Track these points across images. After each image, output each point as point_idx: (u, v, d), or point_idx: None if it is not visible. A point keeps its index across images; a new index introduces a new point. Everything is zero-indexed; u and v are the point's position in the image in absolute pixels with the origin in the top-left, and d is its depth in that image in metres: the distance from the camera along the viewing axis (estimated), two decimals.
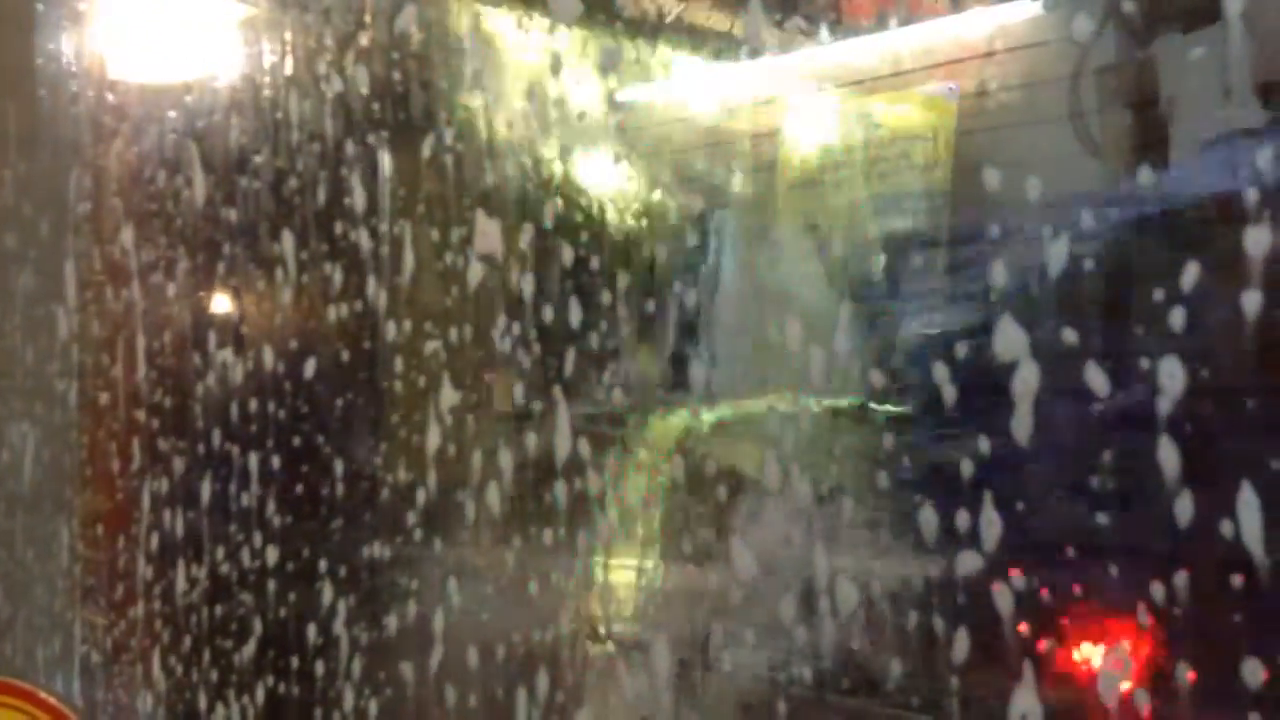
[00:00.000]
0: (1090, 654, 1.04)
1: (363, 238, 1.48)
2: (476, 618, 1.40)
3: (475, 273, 1.31)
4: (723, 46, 1.68)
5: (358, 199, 1.50)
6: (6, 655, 1.86)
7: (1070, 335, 0.91)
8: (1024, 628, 0.92)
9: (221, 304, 1.79)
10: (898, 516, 1.14)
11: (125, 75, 1.90)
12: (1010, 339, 0.88)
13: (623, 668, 1.30)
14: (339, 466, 1.58)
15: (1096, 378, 0.87)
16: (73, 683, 1.84)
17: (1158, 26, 1.19)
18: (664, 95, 1.70)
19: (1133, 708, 0.88)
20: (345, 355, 1.59)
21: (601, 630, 1.42)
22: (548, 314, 1.27)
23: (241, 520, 1.60)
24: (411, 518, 1.41)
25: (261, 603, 1.58)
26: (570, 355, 1.25)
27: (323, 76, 1.56)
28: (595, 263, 1.32)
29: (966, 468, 0.95)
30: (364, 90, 1.51)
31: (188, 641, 1.68)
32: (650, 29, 1.60)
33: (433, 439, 1.35)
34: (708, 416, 1.41)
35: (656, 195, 1.68)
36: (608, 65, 1.30)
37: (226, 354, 1.66)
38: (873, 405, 1.26)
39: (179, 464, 1.71)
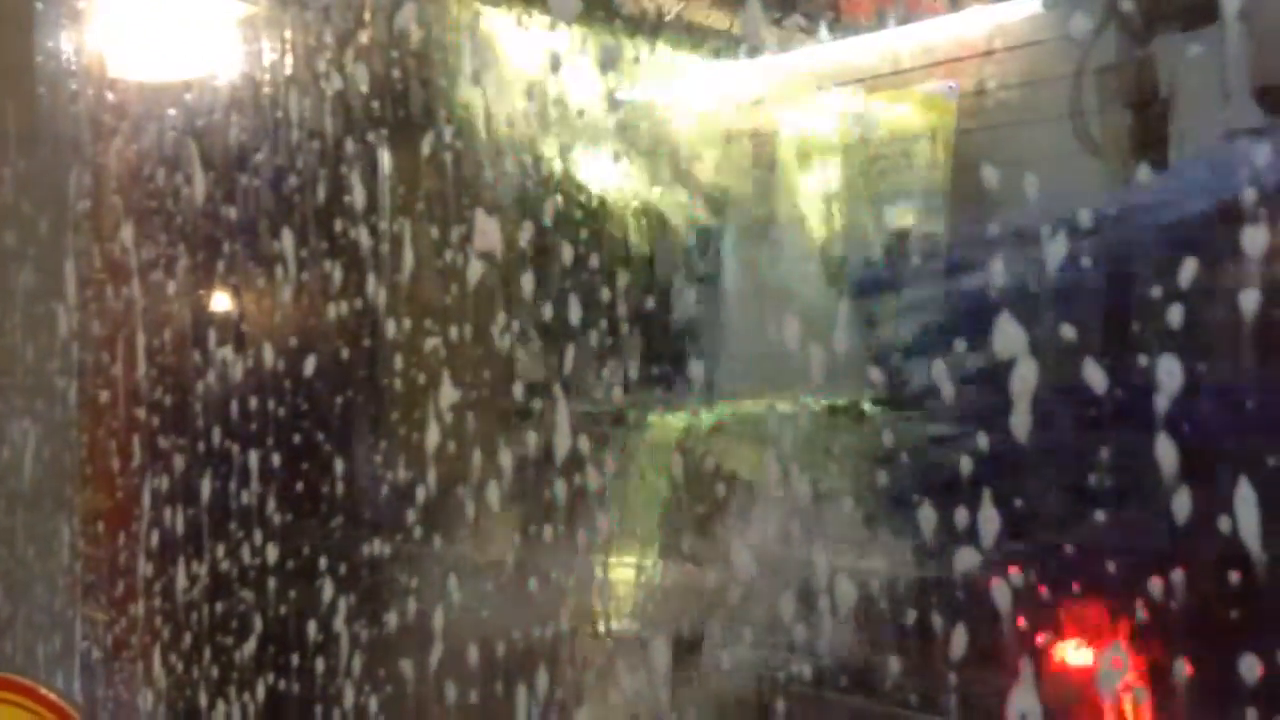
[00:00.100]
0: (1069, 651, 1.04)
1: (362, 235, 1.48)
2: (476, 614, 1.40)
3: (474, 270, 1.32)
4: (722, 45, 1.68)
5: (357, 197, 1.50)
6: (7, 652, 1.86)
7: (1069, 332, 0.91)
8: (1020, 624, 0.92)
9: (221, 302, 1.79)
10: (895, 515, 1.14)
11: (125, 73, 1.90)
12: (1009, 337, 0.89)
13: (620, 664, 1.30)
14: (339, 464, 1.58)
15: (1094, 375, 0.87)
16: (73, 680, 1.84)
17: (1157, 25, 1.19)
18: (663, 94, 1.70)
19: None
20: (345, 353, 1.59)
21: (600, 627, 1.42)
22: (546, 312, 1.27)
23: (241, 518, 1.60)
24: (411, 515, 1.41)
25: (262, 600, 1.58)
26: (569, 353, 1.25)
27: (322, 74, 1.56)
28: (594, 261, 1.32)
29: (965, 466, 0.96)
30: (363, 88, 1.51)
31: (188, 639, 1.68)
32: (650, 27, 1.59)
33: (432, 436, 1.35)
34: (706, 416, 1.41)
35: (656, 194, 1.68)
36: (607, 63, 1.31)
37: (226, 352, 1.66)
38: (871, 404, 1.26)
39: (179, 461, 1.71)
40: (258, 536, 1.58)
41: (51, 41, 1.91)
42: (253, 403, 1.61)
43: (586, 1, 1.20)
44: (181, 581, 1.69)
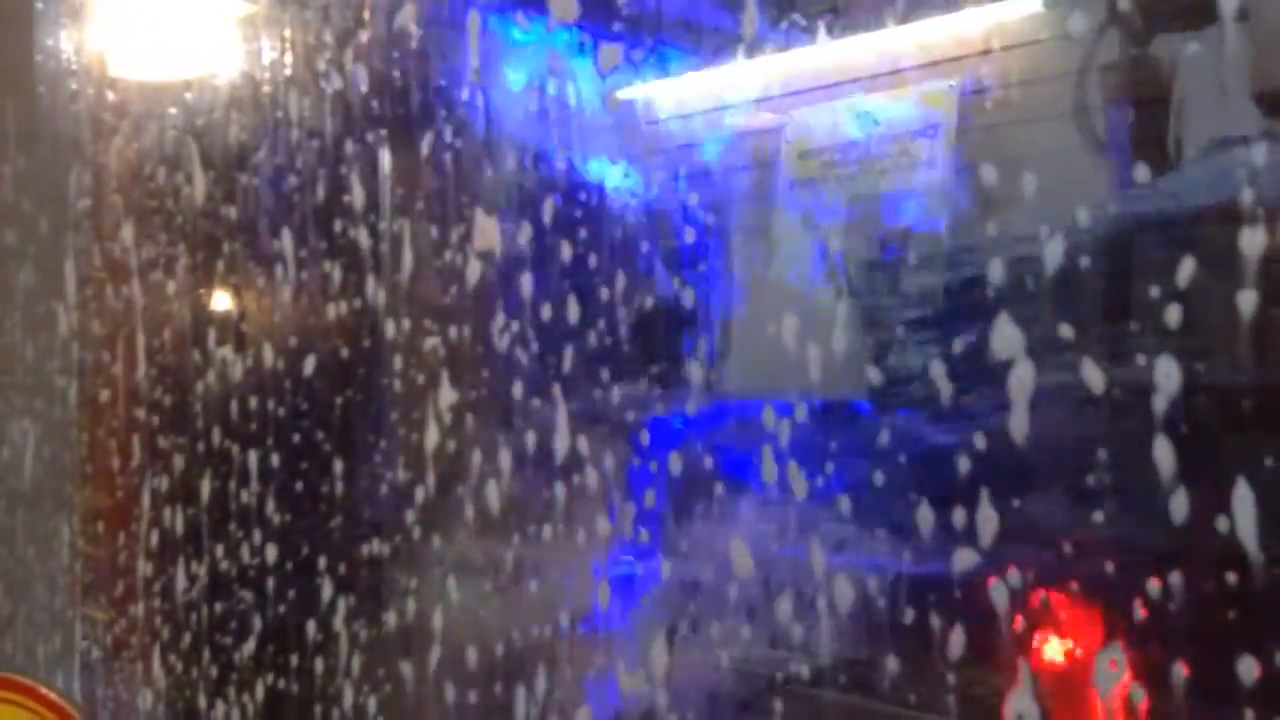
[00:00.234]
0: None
1: (362, 235, 1.48)
2: (474, 613, 1.40)
3: (474, 269, 1.32)
4: (722, 44, 1.68)
5: (357, 196, 1.50)
6: (7, 652, 1.86)
7: (1067, 332, 0.91)
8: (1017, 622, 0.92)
9: (221, 301, 1.79)
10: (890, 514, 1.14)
11: (125, 72, 1.90)
12: (1007, 336, 0.89)
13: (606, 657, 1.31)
14: (338, 463, 1.58)
15: (1093, 374, 0.87)
16: (73, 679, 1.84)
17: (1157, 25, 1.19)
18: (662, 92, 1.70)
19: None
20: (345, 352, 1.59)
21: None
22: (545, 311, 1.27)
23: (241, 517, 1.60)
24: (410, 514, 1.41)
25: (261, 599, 1.58)
26: (569, 352, 1.25)
27: (322, 73, 1.56)
28: (594, 260, 1.32)
29: (964, 464, 0.95)
30: (363, 87, 1.51)
31: (187, 638, 1.68)
32: (649, 26, 1.59)
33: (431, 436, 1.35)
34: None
35: (655, 193, 1.68)
36: (607, 62, 1.31)
37: (226, 351, 1.66)
38: (870, 403, 1.26)
39: (179, 461, 1.71)
40: (257, 536, 1.58)
41: (51, 40, 1.91)
42: (252, 402, 1.61)
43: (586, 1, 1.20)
44: (181, 581, 1.69)
